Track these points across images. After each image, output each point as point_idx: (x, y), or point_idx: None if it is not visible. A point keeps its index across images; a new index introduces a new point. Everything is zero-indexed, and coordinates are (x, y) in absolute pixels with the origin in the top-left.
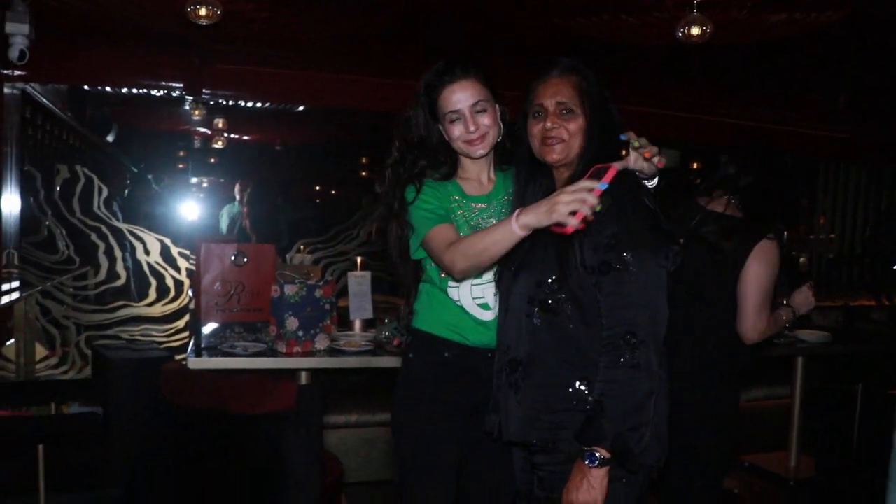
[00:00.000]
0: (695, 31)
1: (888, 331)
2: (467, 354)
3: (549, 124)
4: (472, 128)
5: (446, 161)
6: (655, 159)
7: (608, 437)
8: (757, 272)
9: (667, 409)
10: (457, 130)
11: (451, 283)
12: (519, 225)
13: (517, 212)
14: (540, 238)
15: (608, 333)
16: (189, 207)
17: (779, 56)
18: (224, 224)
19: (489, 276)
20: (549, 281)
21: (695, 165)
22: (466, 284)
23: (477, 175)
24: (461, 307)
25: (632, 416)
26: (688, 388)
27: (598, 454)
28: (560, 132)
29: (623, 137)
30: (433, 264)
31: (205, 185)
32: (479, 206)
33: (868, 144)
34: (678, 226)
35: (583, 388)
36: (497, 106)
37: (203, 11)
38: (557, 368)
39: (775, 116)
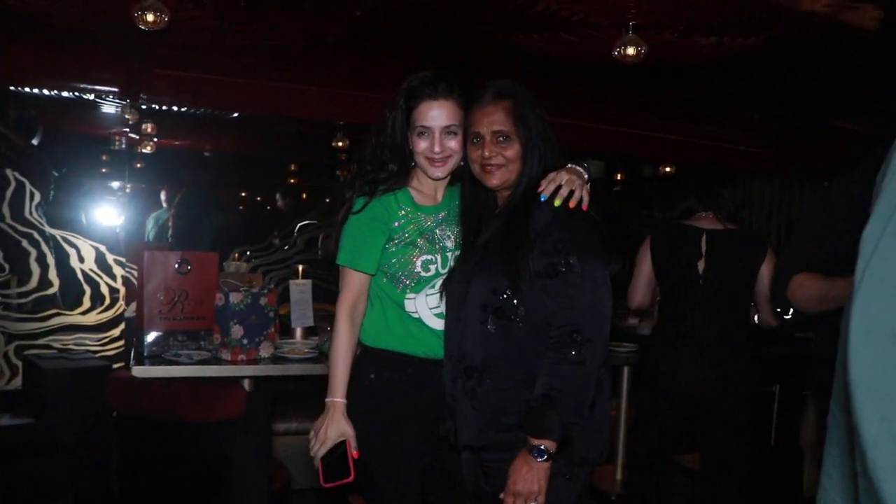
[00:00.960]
0: (630, 50)
1: (802, 336)
2: (428, 367)
3: (486, 153)
4: (437, 148)
5: (411, 168)
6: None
7: (556, 430)
8: (770, 270)
9: (608, 407)
10: (422, 145)
11: (409, 295)
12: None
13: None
14: (491, 246)
15: (556, 333)
16: (111, 214)
17: (704, 76)
18: (151, 232)
19: (440, 284)
20: (503, 287)
21: (618, 177)
22: (423, 295)
23: (433, 190)
24: (418, 319)
25: (577, 411)
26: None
27: (543, 447)
28: (498, 159)
29: (543, 199)
30: (388, 278)
31: (128, 190)
32: (430, 217)
33: (781, 158)
34: (690, 248)
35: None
36: None
37: (150, 17)
38: (511, 372)
39: (698, 131)
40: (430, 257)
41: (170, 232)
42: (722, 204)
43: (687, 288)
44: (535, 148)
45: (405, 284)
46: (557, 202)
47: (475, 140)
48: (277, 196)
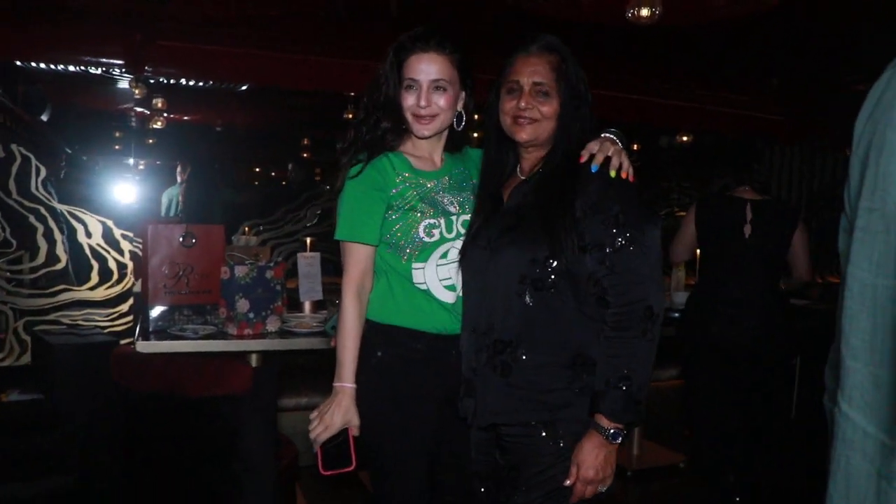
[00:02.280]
0: (644, 12)
1: (824, 307)
2: (439, 343)
3: (522, 104)
4: (422, 103)
5: (406, 129)
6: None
7: (633, 411)
8: (804, 237)
9: None
10: (410, 100)
11: (415, 265)
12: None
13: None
14: (527, 211)
15: (628, 309)
16: (126, 190)
17: (720, 41)
18: (165, 207)
19: (454, 254)
20: (543, 258)
21: (635, 147)
22: (432, 264)
23: (429, 153)
24: (426, 291)
25: (643, 389)
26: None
27: (617, 430)
28: (533, 113)
29: (594, 169)
30: (391, 248)
31: (141, 167)
32: (431, 182)
33: (801, 126)
34: (737, 216)
35: (578, 366)
36: (463, 92)
37: None
38: (551, 348)
39: (714, 98)
40: (432, 221)
41: (180, 207)
42: (756, 177)
43: (734, 252)
44: (574, 110)
45: (409, 253)
46: (613, 173)
47: (512, 90)
48: (290, 166)
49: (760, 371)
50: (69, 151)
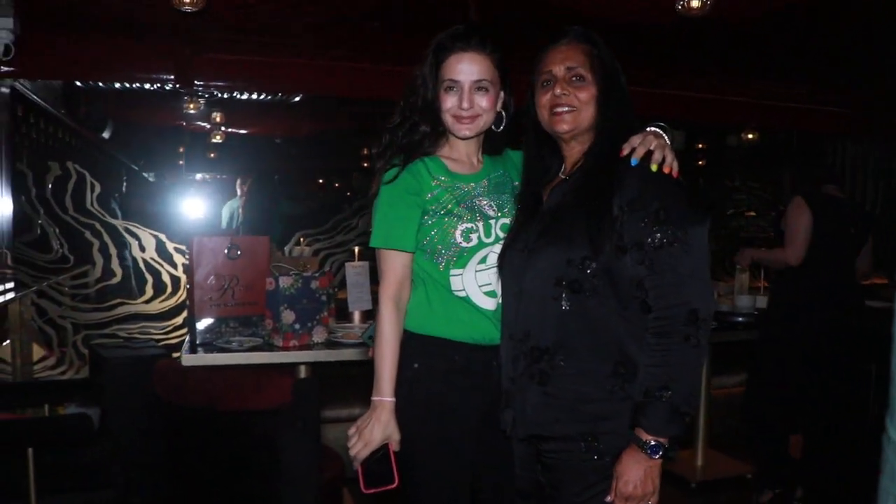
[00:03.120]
0: (695, 3)
1: None
2: (478, 353)
3: (558, 90)
4: (465, 104)
5: (444, 132)
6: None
7: (677, 425)
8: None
9: None
10: (450, 101)
11: (453, 271)
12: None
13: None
14: (564, 211)
15: (668, 312)
16: (190, 204)
17: (777, 32)
18: (225, 221)
19: (493, 259)
20: (580, 259)
21: (700, 146)
22: (471, 270)
23: (467, 156)
24: (465, 298)
25: (689, 400)
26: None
27: (659, 443)
28: (570, 100)
29: (634, 163)
30: (427, 255)
31: (206, 180)
32: (468, 185)
33: (871, 119)
34: (844, 213)
35: (620, 374)
36: (502, 93)
37: None
38: (591, 355)
39: (780, 93)
40: (470, 225)
41: (239, 220)
42: (838, 178)
43: (846, 251)
44: (612, 96)
45: (447, 259)
46: (654, 167)
47: (546, 82)
48: (354, 176)
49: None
50: (136, 168)
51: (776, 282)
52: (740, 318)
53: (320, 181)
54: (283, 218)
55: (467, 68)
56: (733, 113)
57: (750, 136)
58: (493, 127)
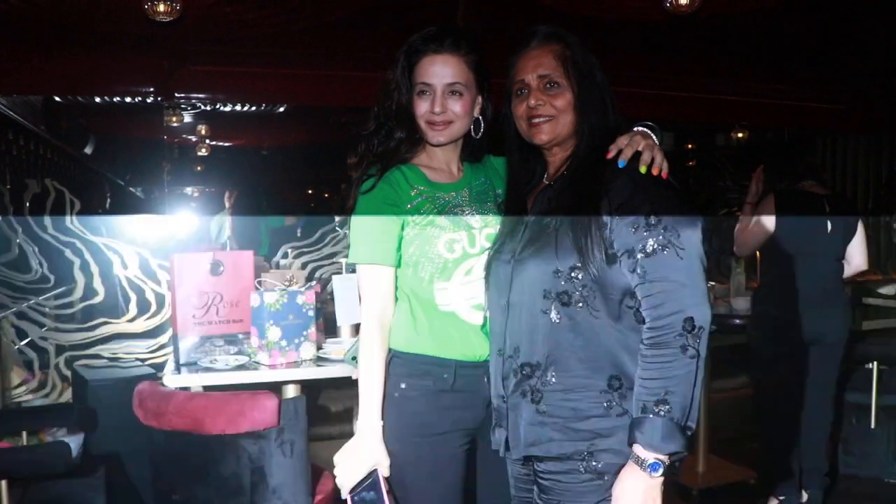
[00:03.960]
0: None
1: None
2: (467, 371)
3: (532, 101)
4: (437, 108)
5: (421, 139)
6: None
7: (676, 440)
8: (863, 228)
9: None
10: (423, 106)
11: (438, 284)
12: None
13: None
14: (549, 220)
15: (663, 322)
16: (177, 217)
17: (767, 28)
18: (213, 233)
19: (479, 270)
20: (569, 269)
21: (689, 146)
22: (456, 283)
23: (446, 164)
24: (452, 313)
25: (687, 412)
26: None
27: (658, 459)
28: (546, 109)
29: (622, 164)
30: (410, 268)
31: (195, 194)
32: (449, 195)
33: (865, 115)
34: (818, 210)
35: (615, 388)
36: (479, 97)
37: (161, 7)
38: (583, 369)
39: (769, 91)
40: (453, 236)
41: (227, 234)
42: (819, 172)
43: (819, 247)
44: (591, 98)
45: (430, 272)
46: (643, 168)
47: (520, 91)
48: (342, 187)
49: (824, 354)
50: (121, 183)
51: (754, 294)
52: (738, 321)
53: (309, 191)
54: (270, 229)
55: (440, 71)
56: (722, 112)
57: (739, 134)
58: (471, 133)
